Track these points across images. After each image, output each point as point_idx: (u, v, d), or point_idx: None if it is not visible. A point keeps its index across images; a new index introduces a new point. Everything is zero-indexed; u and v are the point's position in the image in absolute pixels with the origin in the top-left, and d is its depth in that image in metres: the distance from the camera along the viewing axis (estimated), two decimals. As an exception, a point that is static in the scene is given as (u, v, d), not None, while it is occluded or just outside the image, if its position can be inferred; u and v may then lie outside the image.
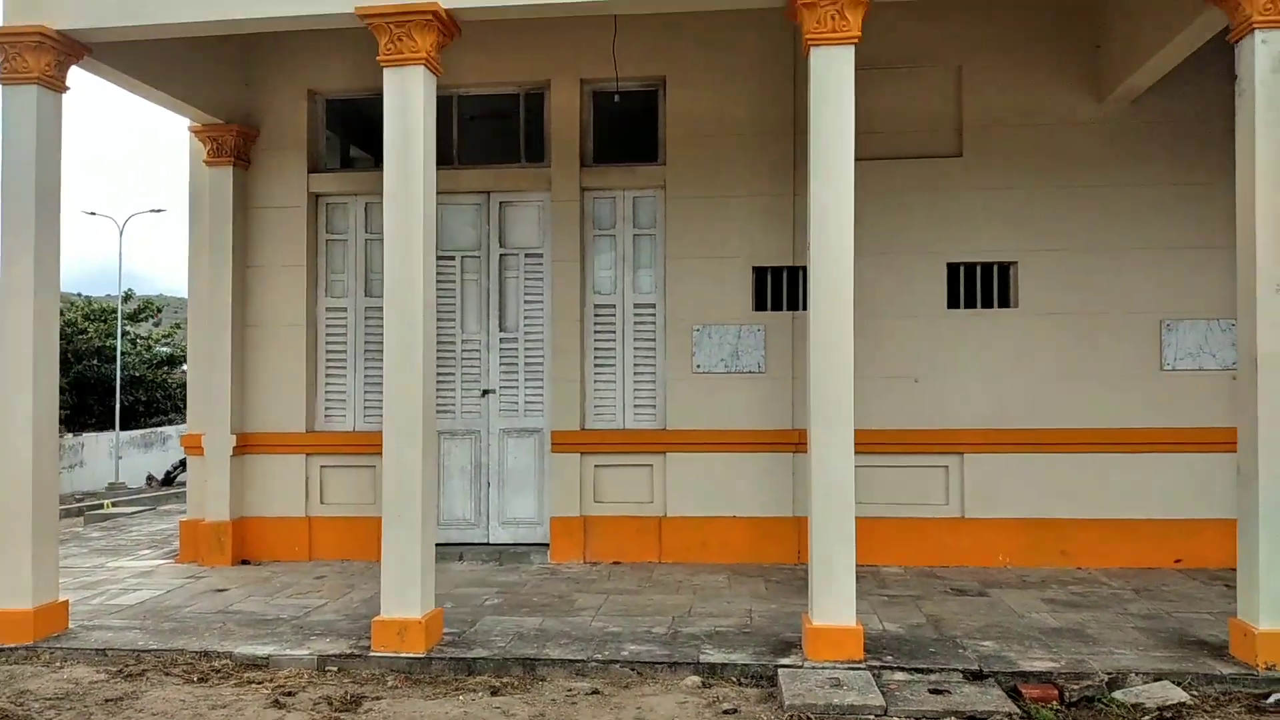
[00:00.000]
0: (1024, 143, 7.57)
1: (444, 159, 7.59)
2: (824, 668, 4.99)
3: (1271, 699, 4.82)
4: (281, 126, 8.16)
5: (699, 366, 7.71)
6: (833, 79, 5.43)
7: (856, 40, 5.41)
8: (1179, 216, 7.42)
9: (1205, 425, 7.28)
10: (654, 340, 7.89)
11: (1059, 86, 7.58)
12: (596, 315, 7.93)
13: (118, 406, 24.63)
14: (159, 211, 30.84)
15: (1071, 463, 7.43)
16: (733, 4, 5.67)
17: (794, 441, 7.51)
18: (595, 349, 7.92)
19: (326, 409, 8.21)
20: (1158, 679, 4.94)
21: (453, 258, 8.04)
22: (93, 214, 30.15)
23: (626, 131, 8.03)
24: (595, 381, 7.92)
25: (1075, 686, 4.87)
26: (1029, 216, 7.55)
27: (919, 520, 7.53)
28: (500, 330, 8.00)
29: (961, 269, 7.64)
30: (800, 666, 5.02)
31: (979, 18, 7.54)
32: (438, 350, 7.71)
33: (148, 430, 25.94)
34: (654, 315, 7.89)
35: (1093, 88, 7.53)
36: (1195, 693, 4.84)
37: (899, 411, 7.56)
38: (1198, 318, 7.42)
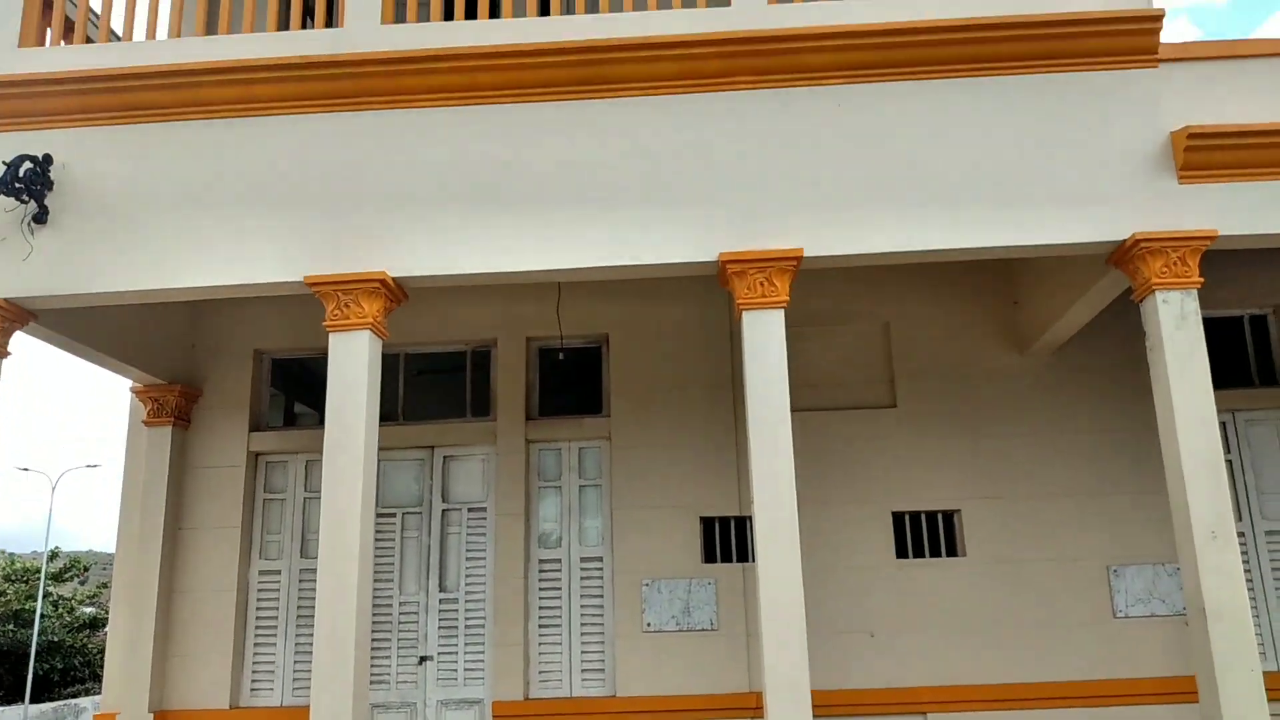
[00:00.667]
0: (955, 394, 7.83)
1: (388, 415, 7.65)
2: None
3: None
4: (226, 386, 8.18)
5: (649, 625, 7.45)
6: (764, 341, 5.67)
7: (785, 304, 5.70)
8: (1115, 462, 7.60)
9: (1161, 675, 7.13)
10: (602, 596, 7.65)
11: (984, 340, 7.95)
12: (542, 571, 7.72)
13: (30, 678, 22.97)
14: (94, 467, 30.32)
15: None
16: (668, 271, 5.96)
17: (752, 706, 7.15)
18: (540, 607, 7.64)
19: (253, 682, 7.70)
20: None
21: (393, 514, 7.89)
22: (25, 470, 29.53)
23: (572, 385, 8.20)
24: (540, 644, 7.57)
25: None
26: (967, 465, 7.69)
27: (886, 788, 7.10)
28: (440, 590, 7.72)
29: (907, 517, 7.66)
30: None
31: (902, 277, 7.99)
32: (373, 615, 7.37)
33: (60, 703, 24.10)
34: (602, 569, 7.71)
35: (1015, 341, 7.92)
36: None
37: (856, 669, 7.29)
38: (1144, 562, 7.44)
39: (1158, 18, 5.79)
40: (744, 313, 5.73)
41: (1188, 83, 5.91)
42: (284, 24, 7.48)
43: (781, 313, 5.72)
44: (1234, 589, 5.18)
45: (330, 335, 5.76)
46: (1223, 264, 7.56)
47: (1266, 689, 6.88)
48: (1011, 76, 5.89)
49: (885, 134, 5.86)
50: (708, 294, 7.95)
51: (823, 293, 7.90)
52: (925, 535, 7.63)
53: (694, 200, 5.84)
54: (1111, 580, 7.44)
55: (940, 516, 7.67)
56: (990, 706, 7.17)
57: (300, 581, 7.84)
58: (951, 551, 7.59)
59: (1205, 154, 5.70)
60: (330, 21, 6.56)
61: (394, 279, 5.81)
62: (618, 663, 7.41)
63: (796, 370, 7.92)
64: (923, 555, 7.58)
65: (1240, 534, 7.66)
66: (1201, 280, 5.67)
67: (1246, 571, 7.58)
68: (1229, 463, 7.84)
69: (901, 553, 7.58)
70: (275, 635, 7.75)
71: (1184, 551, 5.38)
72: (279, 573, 7.88)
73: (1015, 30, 5.84)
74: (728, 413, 7.80)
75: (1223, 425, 7.88)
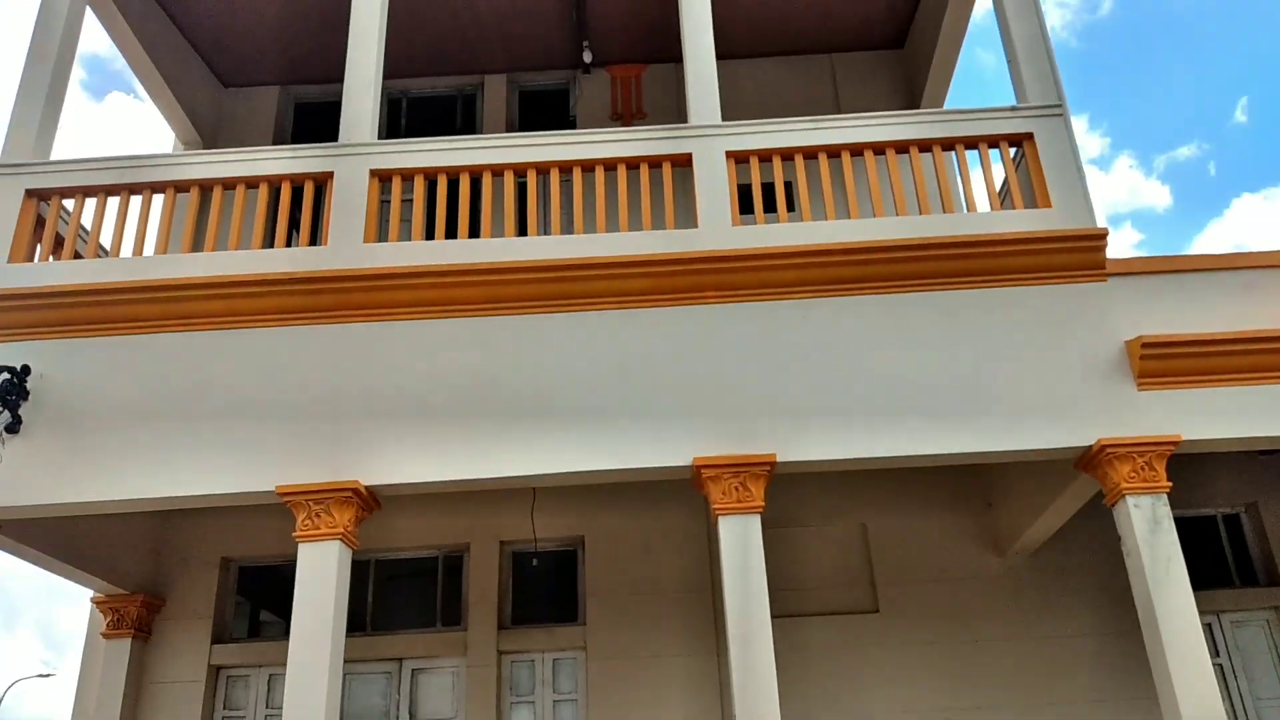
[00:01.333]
0: (936, 598, 7.71)
1: (355, 625, 7.46)
2: None
3: None
4: (190, 595, 7.95)
5: None
6: (741, 546, 5.66)
7: (761, 509, 5.72)
8: (1104, 667, 7.41)
9: None
10: (574, 824, 7.23)
11: (962, 543, 7.92)
12: (513, 795, 7.32)
13: None
14: (47, 676, 28.88)
15: None
16: (643, 476, 5.99)
17: None
18: (510, 839, 7.19)
19: None
20: None
21: (357, 733, 7.53)
22: (-28, 676, 28.02)
23: (546, 591, 8.03)
24: None
25: None
26: (953, 673, 7.47)
27: None
28: (406, 819, 7.27)
29: (899, 731, 7.38)
30: None
31: (879, 480, 8.00)
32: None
33: None
34: (575, 793, 7.31)
35: (993, 544, 7.89)
36: None
37: None
38: (1140, 771, 7.15)
39: (1101, 236, 6.14)
40: (720, 518, 5.72)
41: (1137, 294, 6.19)
42: (269, 241, 7.79)
43: (758, 518, 5.73)
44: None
45: (299, 545, 5.67)
46: (1192, 464, 7.72)
47: None
48: (972, 291, 6.17)
49: (852, 344, 6.06)
50: (685, 496, 7.93)
51: (801, 495, 7.90)
52: (912, 751, 7.33)
53: (667, 407, 5.94)
54: (1110, 795, 7.11)
55: (916, 733, 7.39)
56: None
57: (255, 811, 7.35)
58: (934, 769, 7.27)
59: (1161, 362, 5.91)
60: (315, 239, 6.84)
61: (367, 488, 5.79)
62: None
63: (775, 574, 7.78)
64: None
65: (1236, 743, 7.41)
66: (1170, 484, 5.76)
67: (1247, 782, 7.31)
68: (1219, 667, 7.67)
69: (889, 767, 7.25)
70: None
71: (1187, 766, 5.19)
72: (234, 798, 7.41)
73: (971, 249, 6.16)
74: (707, 619, 7.62)
75: (1208, 628, 7.77)
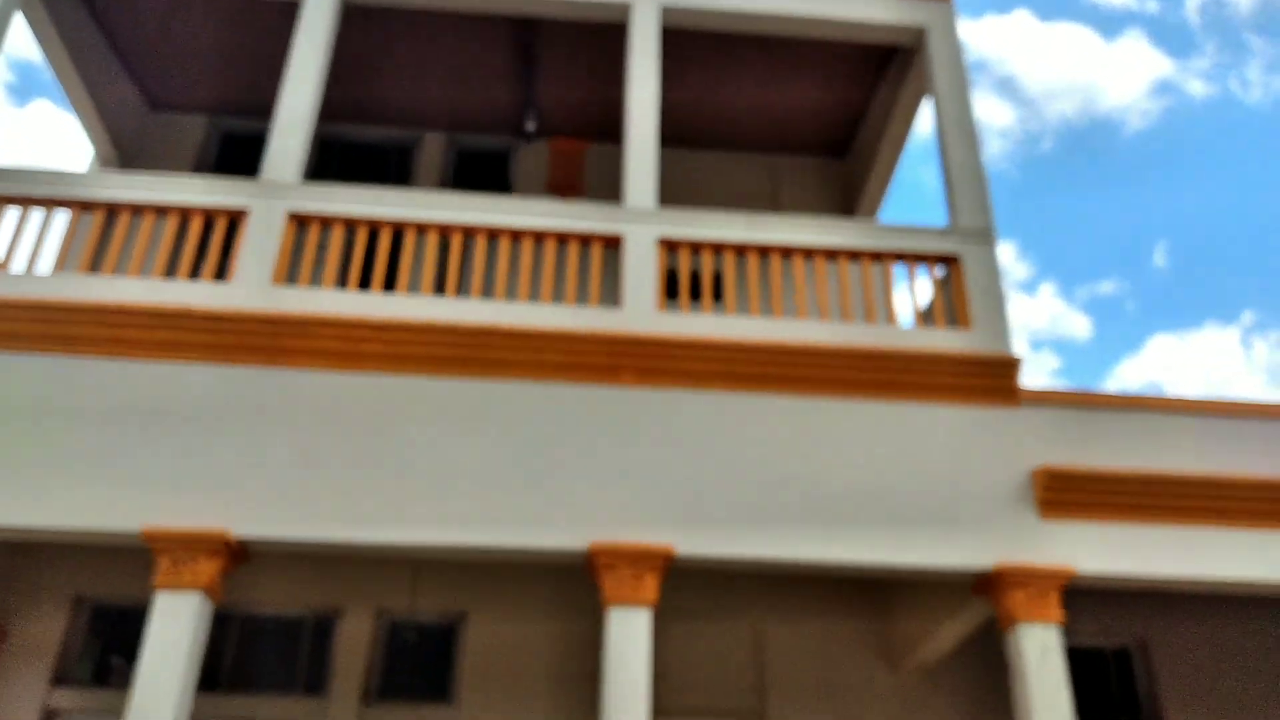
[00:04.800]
0: (826, 709, 7.53)
1: (209, 683, 7.00)
2: None
3: None
4: (34, 630, 7.35)
5: None
6: (628, 642, 5.47)
7: (653, 604, 5.53)
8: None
9: None
10: None
11: (857, 656, 7.78)
12: None
13: None
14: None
15: None
16: (536, 558, 5.78)
17: None
18: None
19: None
20: None
21: (199, 804, 6.95)
22: None
23: (420, 666, 7.62)
24: None
25: None
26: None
27: None
28: None
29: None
30: None
31: (777, 583, 7.88)
32: None
33: None
34: None
35: (887, 658, 7.78)
36: None
37: None
38: None
39: (1014, 364, 6.22)
40: (611, 609, 5.52)
41: (1047, 424, 6.27)
42: (171, 271, 7.48)
43: (649, 613, 5.55)
44: None
45: (157, 593, 5.29)
46: (1085, 596, 7.75)
47: None
48: (887, 403, 6.16)
49: (763, 443, 6.00)
50: (576, 580, 7.67)
51: (696, 591, 7.72)
52: None
53: (568, 487, 5.78)
54: None
55: (807, 845, 7.15)
56: None
57: None
58: None
59: (1062, 493, 5.95)
60: (221, 274, 6.57)
61: (237, 539, 5.45)
62: None
63: (661, 669, 7.58)
64: None
65: None
66: (1062, 617, 5.73)
67: None
68: (1098, 805, 7.62)
69: None
70: None
71: None
72: None
73: (889, 361, 6.18)
74: (587, 710, 7.30)
75: (1089, 763, 7.74)
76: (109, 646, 7.94)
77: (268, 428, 5.74)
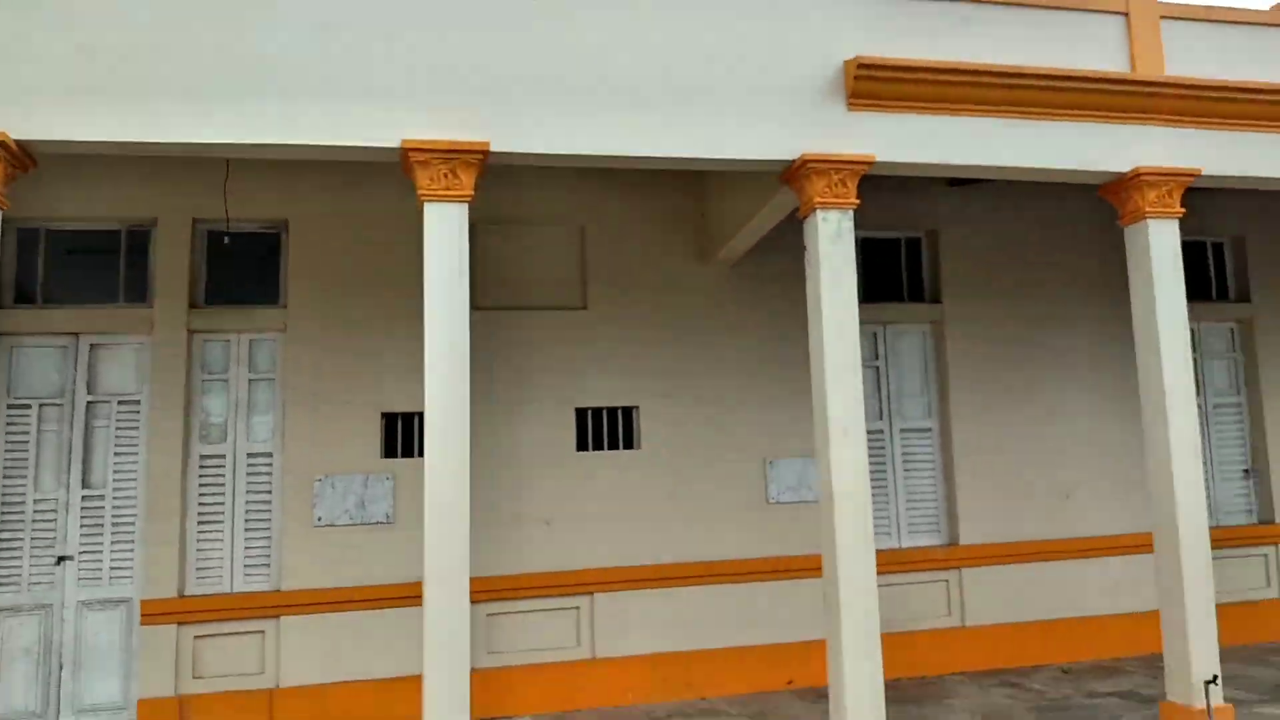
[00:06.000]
0: (643, 299, 8.11)
1: (25, 297, 6.97)
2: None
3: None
4: None
5: (320, 519, 7.25)
6: (446, 235, 5.55)
7: (469, 198, 5.59)
8: (777, 367, 8.22)
9: (808, 553, 7.92)
10: (270, 492, 7.34)
11: (672, 249, 8.27)
12: (204, 467, 7.25)
13: None
14: None
15: (692, 595, 7.78)
16: (348, 155, 5.63)
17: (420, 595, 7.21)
18: (200, 505, 7.20)
19: None
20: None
21: (28, 406, 7.06)
22: None
23: (246, 274, 7.62)
24: (199, 541, 7.15)
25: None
26: (650, 366, 8.04)
27: (551, 665, 7.46)
28: (84, 488, 7.04)
29: (589, 413, 7.93)
30: None
31: (599, 184, 8.07)
32: (2, 513, 6.70)
33: None
34: (271, 465, 7.37)
35: (700, 252, 8.29)
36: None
37: (531, 556, 7.55)
38: (795, 456, 8.18)
39: (832, -49, 6.07)
40: (426, 204, 5.56)
41: (865, 14, 6.26)
42: None
43: (465, 207, 5.61)
44: (858, 477, 5.82)
45: (-65, 201, 4.96)
46: (887, 190, 8.30)
47: (893, 564, 8.01)
48: (708, -6, 5.99)
49: (580, 29, 5.81)
50: (396, 182, 7.61)
51: (519, 191, 7.85)
52: (605, 430, 7.95)
53: (379, 82, 5.53)
54: (767, 471, 8.14)
55: (620, 412, 8.01)
56: (656, 584, 7.72)
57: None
58: (629, 444, 7.97)
59: (872, 84, 6.11)
60: None
61: (16, 141, 5.07)
62: (283, 558, 7.18)
63: (489, 268, 7.89)
64: (601, 448, 7.91)
65: (879, 431, 8.62)
66: (858, 201, 6.13)
67: (882, 464, 8.60)
68: (876, 369, 8.75)
69: (582, 446, 7.87)
70: None
71: (820, 445, 5.95)
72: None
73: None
74: (414, 307, 7.53)
75: (874, 336, 8.77)
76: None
77: (47, 19, 5.14)
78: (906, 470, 8.72)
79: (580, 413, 7.91)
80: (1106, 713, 6.77)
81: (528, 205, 7.99)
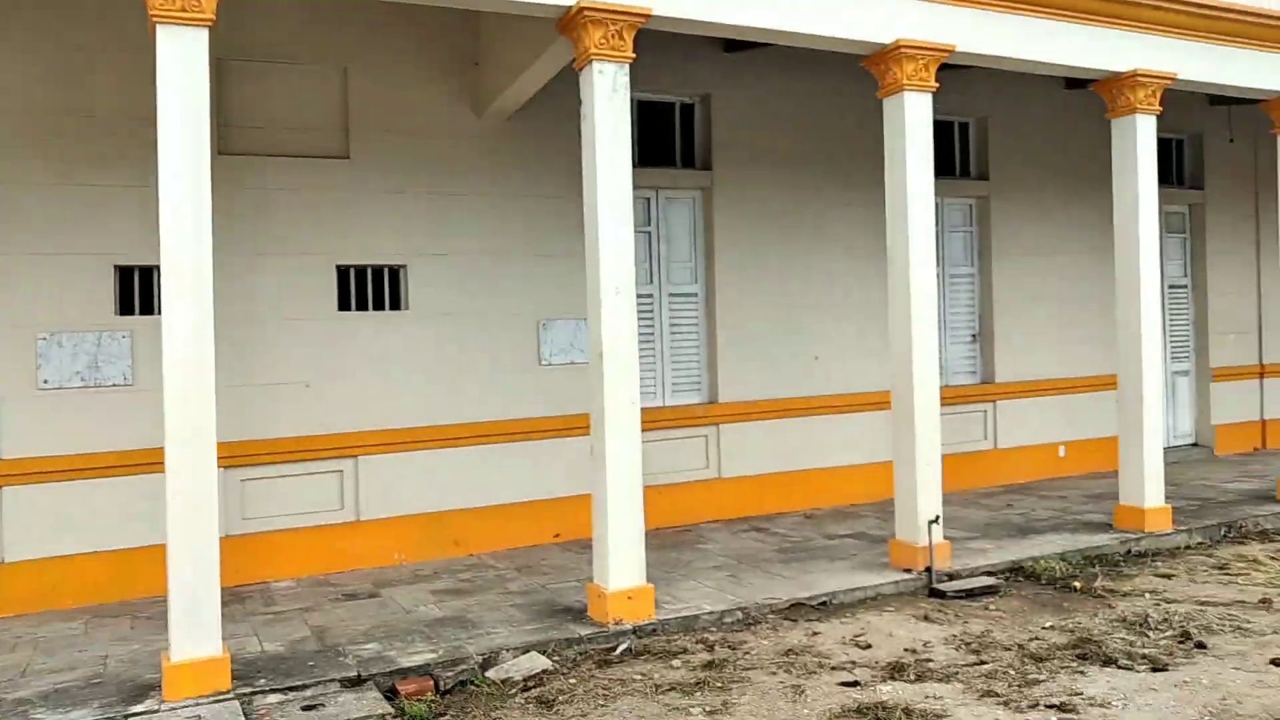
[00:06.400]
0: (412, 150, 7.70)
1: None
2: (183, 707, 4.52)
3: (619, 649, 5.45)
4: None
5: (46, 382, 6.57)
6: (182, 63, 4.96)
7: (210, 23, 5.00)
8: (551, 227, 8.12)
9: (578, 413, 8.04)
10: (-15, 351, 6.56)
11: (444, 98, 7.85)
12: (-95, 322, 6.37)
13: None
14: None
15: (462, 456, 7.77)
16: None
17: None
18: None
19: None
20: (526, 651, 5.30)
21: None
22: None
23: None
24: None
25: (450, 673, 5.04)
26: (419, 222, 7.72)
27: (315, 529, 7.28)
28: None
29: (352, 271, 7.56)
30: (156, 711, 4.48)
31: (364, 22, 7.49)
32: None
33: None
34: (-15, 322, 6.56)
35: (473, 102, 7.93)
36: (557, 657, 5.29)
37: (290, 419, 7.22)
38: (568, 318, 8.21)
39: None
40: (158, 26, 4.92)
41: None
42: None
43: (205, 32, 5.00)
44: (625, 336, 5.90)
45: None
46: (663, 50, 8.22)
47: (657, 421, 8.30)
48: None
49: None
50: (124, 7, 6.73)
51: (273, 24, 7.16)
52: (370, 289, 7.62)
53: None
54: (540, 333, 8.14)
55: (387, 271, 7.69)
56: (424, 446, 7.63)
57: None
58: (396, 305, 7.69)
59: (639, -68, 5.91)
60: None
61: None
62: (4, 425, 6.49)
63: (239, 109, 7.21)
64: (366, 309, 7.59)
65: (649, 295, 8.78)
66: (635, 56, 6.00)
67: (650, 327, 8.80)
68: (649, 234, 8.84)
69: (345, 305, 7.52)
70: None
71: (592, 304, 5.98)
72: None
73: None
74: (153, 150, 6.82)
75: (646, 201, 8.81)
76: None
77: None
78: (673, 333, 8.98)
79: (343, 271, 7.53)
80: (843, 551, 7.43)
81: (283, 41, 7.31)
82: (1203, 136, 11.84)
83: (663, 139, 9.04)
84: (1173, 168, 11.87)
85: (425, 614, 6.04)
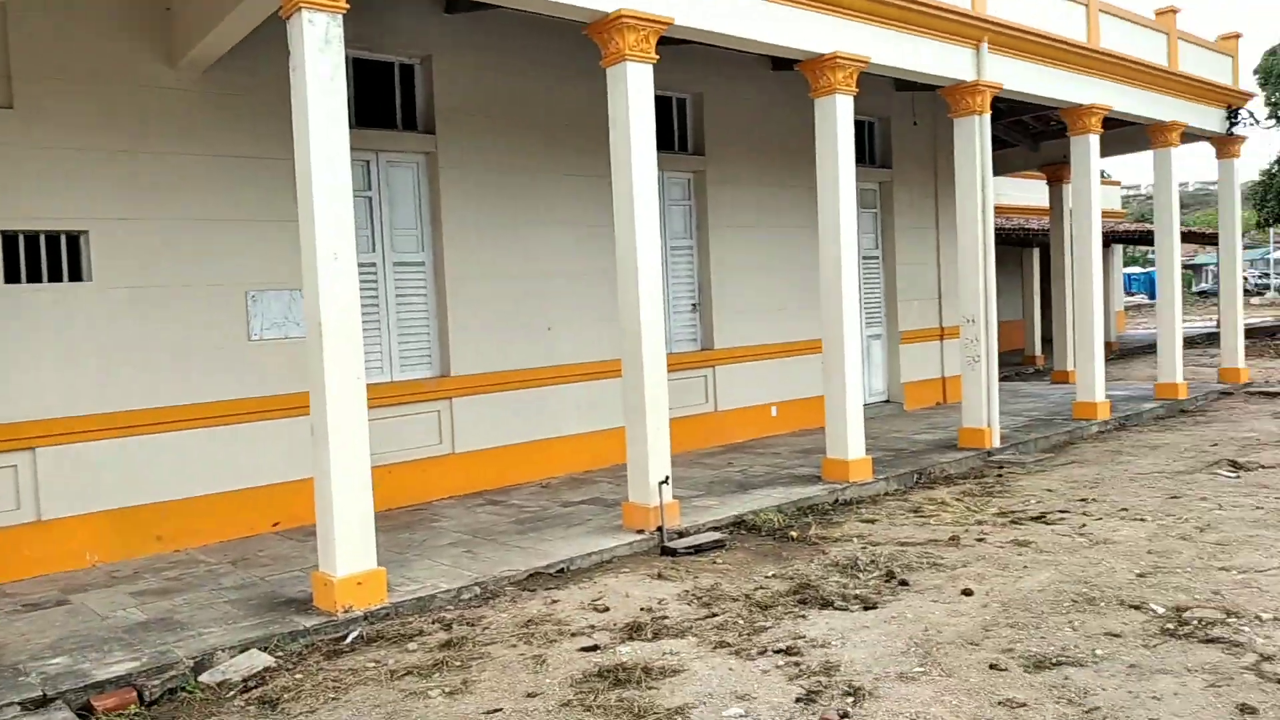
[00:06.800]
0: (94, 101, 6.82)
1: None
2: None
3: (350, 638, 5.16)
4: None
5: None
6: None
7: None
8: (259, 189, 7.50)
9: (294, 391, 7.53)
10: None
11: (132, 46, 7.01)
12: None
13: None
14: None
15: (162, 443, 7.04)
16: None
17: None
18: None
19: None
20: (245, 650, 4.90)
21: None
22: None
23: None
24: None
25: (156, 682, 4.55)
26: (104, 183, 6.86)
27: (-18, 534, 6.35)
28: None
29: (21, 238, 6.60)
30: None
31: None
32: None
33: None
34: None
35: (166, 52, 7.14)
36: (281, 653, 4.94)
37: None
38: (282, 288, 7.64)
39: None
40: None
41: None
42: None
43: None
44: (347, 308, 5.54)
45: None
46: (380, 7, 7.79)
47: (385, 397, 7.94)
48: None
49: None
50: None
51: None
52: (45, 257, 6.69)
53: None
54: (249, 305, 7.51)
55: (64, 238, 6.77)
56: (117, 433, 6.84)
57: None
58: (76, 276, 6.81)
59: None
60: None
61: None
62: None
63: None
64: (40, 280, 6.66)
65: (371, 265, 8.36)
66: (347, 6, 5.61)
67: (374, 298, 8.39)
68: (369, 200, 8.40)
69: (12, 277, 6.56)
70: None
71: (308, 272, 5.56)
72: None
73: None
74: None
75: (366, 165, 8.37)
76: None
77: None
78: (399, 304, 8.62)
79: (9, 237, 6.55)
80: (579, 517, 7.49)
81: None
82: (890, 120, 12.98)
83: (383, 100, 8.61)
84: (865, 148, 12.94)
85: (125, 619, 5.41)
